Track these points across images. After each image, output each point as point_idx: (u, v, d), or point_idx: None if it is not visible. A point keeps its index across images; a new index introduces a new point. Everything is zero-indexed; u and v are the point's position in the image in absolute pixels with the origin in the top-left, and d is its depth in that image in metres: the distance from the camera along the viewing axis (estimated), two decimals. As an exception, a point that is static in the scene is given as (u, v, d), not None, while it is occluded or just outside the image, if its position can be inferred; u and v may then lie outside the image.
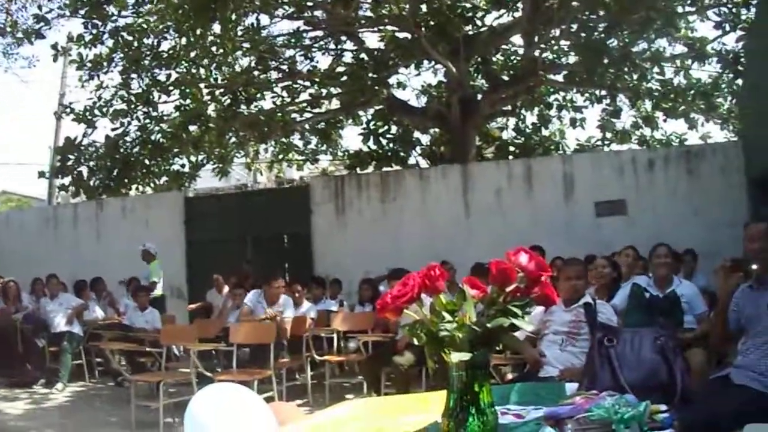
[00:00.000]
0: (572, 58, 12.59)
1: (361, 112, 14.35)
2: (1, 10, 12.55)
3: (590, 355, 2.78)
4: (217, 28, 10.54)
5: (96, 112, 12.57)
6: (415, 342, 1.63)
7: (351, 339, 7.98)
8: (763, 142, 7.88)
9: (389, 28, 12.63)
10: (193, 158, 13.88)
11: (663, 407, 1.87)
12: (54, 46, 12.34)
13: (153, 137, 12.93)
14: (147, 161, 13.07)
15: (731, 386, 3.31)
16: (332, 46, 13.52)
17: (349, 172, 14.38)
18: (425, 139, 15.80)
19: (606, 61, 10.60)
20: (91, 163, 12.81)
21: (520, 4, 11.69)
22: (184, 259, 11.90)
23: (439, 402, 1.68)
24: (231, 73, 12.20)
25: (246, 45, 11.70)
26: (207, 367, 7.09)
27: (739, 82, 11.21)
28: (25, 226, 13.27)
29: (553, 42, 12.70)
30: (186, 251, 11.93)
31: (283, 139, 14.78)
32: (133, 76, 12.27)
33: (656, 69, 12.03)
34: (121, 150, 12.79)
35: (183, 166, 14.01)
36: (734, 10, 10.83)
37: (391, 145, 14.82)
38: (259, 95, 13.20)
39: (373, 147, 14.60)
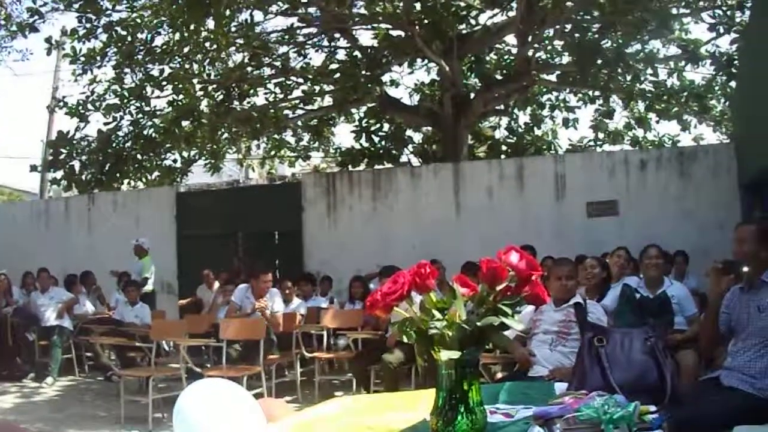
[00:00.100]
0: (566, 58, 12.61)
1: (353, 110, 14.34)
2: (-4, 3, 12.51)
3: (580, 355, 2.77)
4: (210, 23, 10.51)
5: (89, 106, 12.55)
6: (405, 340, 1.62)
7: (341, 336, 7.98)
8: (756, 145, 7.90)
9: (383, 25, 12.64)
10: (185, 154, 13.87)
11: (652, 408, 1.88)
12: (48, 40, 12.34)
13: (145, 132, 12.90)
14: (139, 156, 13.03)
15: (721, 388, 3.33)
16: (326, 43, 13.53)
17: (341, 170, 14.40)
18: (417, 137, 15.88)
19: (599, 61, 10.60)
20: (84, 158, 12.76)
21: (514, 4, 11.68)
22: (175, 254, 11.86)
23: (428, 400, 1.68)
24: (224, 69, 12.17)
25: (239, 41, 11.67)
26: (197, 363, 7.10)
27: (733, 84, 11.25)
28: (16, 219, 13.21)
29: (546, 42, 12.72)
30: (177, 246, 11.89)
31: (276, 136, 14.80)
32: (127, 70, 12.24)
33: (650, 70, 12.04)
34: (114, 144, 12.76)
35: (175, 161, 13.99)
36: (728, 12, 10.86)
37: (383, 142, 14.85)
38: (252, 91, 13.19)
39: (366, 144, 14.65)
